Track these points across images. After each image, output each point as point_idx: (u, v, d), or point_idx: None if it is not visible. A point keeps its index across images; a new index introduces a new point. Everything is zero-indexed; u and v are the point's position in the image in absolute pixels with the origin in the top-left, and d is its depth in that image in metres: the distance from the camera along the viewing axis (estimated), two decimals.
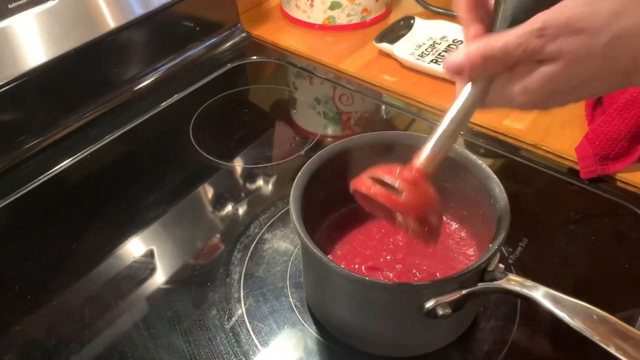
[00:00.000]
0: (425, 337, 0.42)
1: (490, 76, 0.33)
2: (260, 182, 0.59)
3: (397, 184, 0.34)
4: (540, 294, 0.34)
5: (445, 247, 0.46)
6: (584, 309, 0.33)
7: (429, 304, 0.37)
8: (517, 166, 0.59)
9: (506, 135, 0.62)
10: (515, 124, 0.62)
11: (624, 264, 0.49)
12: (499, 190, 0.41)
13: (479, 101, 0.34)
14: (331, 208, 0.48)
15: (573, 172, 0.57)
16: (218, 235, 0.54)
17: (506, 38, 0.31)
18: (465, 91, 0.34)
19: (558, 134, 0.61)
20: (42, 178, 0.59)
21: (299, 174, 0.43)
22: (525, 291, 0.35)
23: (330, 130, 0.66)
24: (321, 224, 0.48)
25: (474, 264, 0.37)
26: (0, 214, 0.56)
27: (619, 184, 0.57)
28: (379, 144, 0.44)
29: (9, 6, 0.50)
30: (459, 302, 0.38)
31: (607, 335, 0.31)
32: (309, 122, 0.68)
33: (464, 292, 0.37)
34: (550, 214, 0.55)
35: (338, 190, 0.46)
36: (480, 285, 0.37)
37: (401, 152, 0.41)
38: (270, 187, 0.59)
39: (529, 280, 0.36)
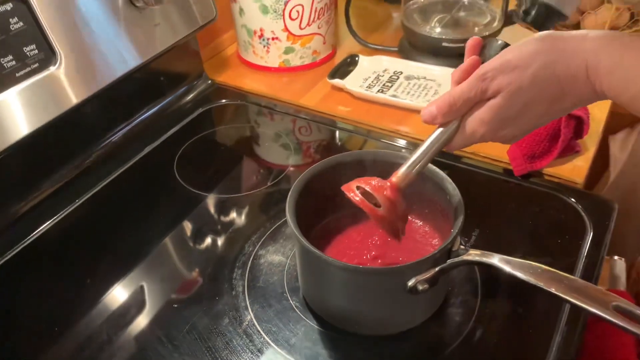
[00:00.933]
0: (408, 313, 0.51)
1: (457, 117, 0.45)
2: (245, 209, 0.67)
3: (378, 198, 0.45)
4: (496, 259, 0.44)
5: (414, 241, 0.56)
6: (530, 266, 0.43)
7: (411, 282, 0.46)
8: (462, 172, 0.70)
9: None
10: None
11: (557, 239, 0.61)
12: (452, 188, 0.51)
13: (448, 136, 0.46)
14: (316, 219, 0.57)
15: (508, 172, 0.69)
16: (218, 257, 0.61)
17: (461, 87, 0.44)
18: (438, 129, 0.46)
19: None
20: (42, 229, 0.65)
21: (290, 190, 0.51)
22: (485, 259, 0.44)
23: (292, 161, 0.74)
24: (309, 233, 0.56)
25: (442, 245, 0.46)
26: (16, 258, 0.61)
27: (545, 177, 0.69)
28: (356, 161, 0.54)
29: (16, 75, 0.57)
30: (434, 278, 0.47)
31: (549, 282, 0.41)
32: (273, 155, 0.77)
33: (437, 269, 0.46)
34: (494, 207, 0.66)
35: (322, 202, 0.55)
36: (449, 261, 0.46)
37: (376, 167, 0.52)
38: (253, 212, 0.67)
39: (486, 252, 0.46)
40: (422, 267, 0.46)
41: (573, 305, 0.40)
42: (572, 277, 0.42)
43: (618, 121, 0.89)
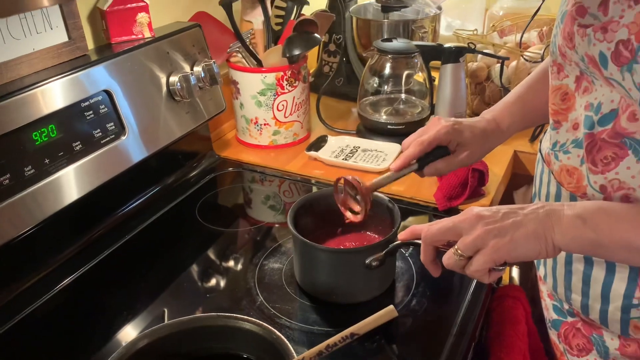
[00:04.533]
0: (368, 286, 0.77)
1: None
2: (256, 237, 0.94)
3: (358, 187, 0.73)
4: (418, 240, 0.72)
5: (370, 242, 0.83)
6: None
7: (367, 261, 0.73)
8: (405, 207, 0.98)
9: (394, 195, 1.02)
10: (399, 187, 1.03)
11: None
12: (394, 208, 0.80)
13: (403, 174, 0.76)
14: (306, 232, 0.84)
15: (434, 208, 0.98)
16: (235, 267, 0.87)
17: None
18: (405, 170, 0.76)
19: (423, 189, 1.03)
20: (91, 264, 0.89)
21: (290, 209, 0.79)
22: (414, 241, 0.72)
23: (275, 219, 1.01)
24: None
25: (387, 236, 0.74)
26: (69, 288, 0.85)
27: (460, 210, 0.98)
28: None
29: (101, 142, 0.85)
30: (383, 258, 0.74)
31: None
32: (260, 213, 1.04)
33: (384, 251, 0.74)
34: None
35: (308, 223, 0.82)
36: (391, 245, 0.74)
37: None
38: (260, 239, 0.94)
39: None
40: (374, 250, 0.74)
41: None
42: None
43: (519, 179, 1.21)
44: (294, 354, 0.57)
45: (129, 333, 0.75)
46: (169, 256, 0.90)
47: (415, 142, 0.77)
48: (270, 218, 1.00)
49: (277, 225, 0.97)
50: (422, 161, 0.78)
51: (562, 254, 0.72)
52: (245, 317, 0.62)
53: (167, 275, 0.85)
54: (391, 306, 0.61)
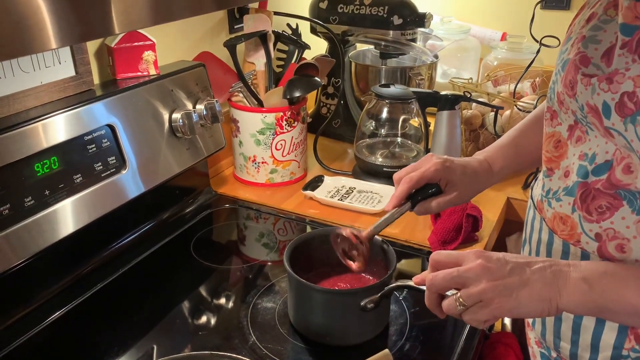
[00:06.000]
0: (362, 328, 0.77)
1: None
2: (249, 275, 0.94)
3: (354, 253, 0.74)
4: (409, 282, 0.72)
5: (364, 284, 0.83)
6: None
7: (362, 302, 0.73)
8: (400, 251, 0.99)
9: (389, 237, 1.03)
10: (394, 230, 1.04)
11: None
12: (389, 250, 0.81)
13: (399, 214, 0.77)
14: (302, 272, 0.84)
15: (428, 252, 0.99)
16: (228, 305, 0.86)
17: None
18: (400, 211, 0.76)
19: (417, 232, 1.04)
20: (88, 294, 0.88)
21: (286, 249, 0.80)
22: (404, 283, 0.72)
23: (269, 257, 1.02)
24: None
25: (382, 279, 0.74)
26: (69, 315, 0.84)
27: None
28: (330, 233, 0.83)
29: (102, 175, 0.86)
30: (378, 300, 0.74)
31: None
32: (254, 251, 1.05)
33: (380, 293, 0.74)
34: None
35: (304, 262, 0.83)
36: (386, 288, 0.74)
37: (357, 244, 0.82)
38: (253, 277, 0.94)
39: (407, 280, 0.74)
40: (369, 292, 0.74)
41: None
42: None
43: (511, 226, 1.23)
44: None
45: None
46: (162, 291, 0.90)
47: (405, 178, 0.78)
48: (264, 256, 1.00)
49: (270, 264, 0.97)
50: (413, 199, 0.78)
51: None
52: (239, 356, 0.62)
53: (159, 310, 0.85)
54: (386, 350, 0.61)
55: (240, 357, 0.60)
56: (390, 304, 0.83)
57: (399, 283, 0.74)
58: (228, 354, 0.61)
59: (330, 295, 0.75)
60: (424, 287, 0.69)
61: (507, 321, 0.95)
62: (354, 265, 0.79)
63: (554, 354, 0.77)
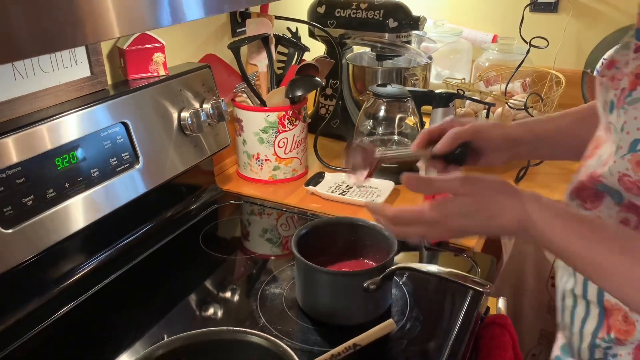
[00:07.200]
0: (365, 308, 0.82)
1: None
2: (258, 264, 0.99)
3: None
4: (413, 265, 0.77)
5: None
6: (434, 267, 0.76)
7: (365, 284, 0.78)
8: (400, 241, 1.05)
9: None
10: None
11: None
12: (390, 235, 0.86)
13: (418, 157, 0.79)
14: (309, 257, 0.89)
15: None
16: (239, 292, 0.91)
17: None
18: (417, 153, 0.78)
19: None
20: (104, 283, 0.93)
21: (293, 237, 0.84)
22: (407, 264, 0.77)
23: (275, 249, 1.06)
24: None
25: (384, 261, 0.79)
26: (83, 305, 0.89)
27: (450, 244, 1.04)
28: (339, 222, 0.88)
29: (116, 170, 0.90)
30: (380, 282, 0.79)
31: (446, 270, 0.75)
32: (259, 244, 1.10)
33: (381, 275, 0.79)
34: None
35: (309, 249, 0.87)
36: (387, 270, 0.79)
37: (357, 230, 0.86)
38: (264, 264, 0.98)
39: (408, 262, 0.79)
40: (372, 273, 0.79)
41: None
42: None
43: None
44: None
45: (130, 356, 0.78)
46: (175, 280, 0.94)
47: (449, 134, 0.74)
48: (270, 247, 1.05)
49: (273, 258, 1.02)
50: (449, 157, 0.76)
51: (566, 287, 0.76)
52: (253, 331, 0.66)
53: (173, 297, 0.90)
54: (390, 319, 0.66)
55: (258, 332, 0.65)
56: (392, 288, 0.88)
57: (399, 265, 0.79)
58: (247, 329, 0.65)
59: (336, 276, 0.80)
60: (423, 268, 0.74)
61: (502, 304, 1.00)
62: (355, 176, 0.78)
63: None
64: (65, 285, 0.89)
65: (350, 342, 0.63)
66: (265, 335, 0.66)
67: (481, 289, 0.71)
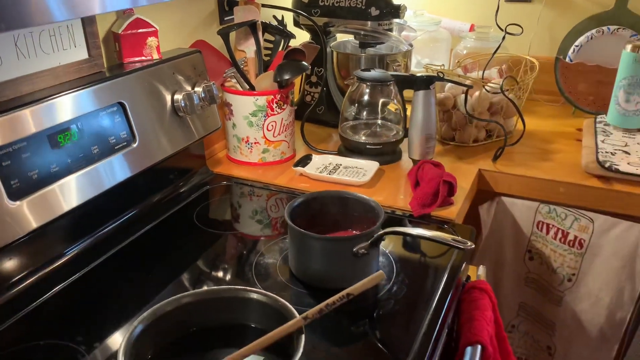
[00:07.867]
0: (355, 273, 0.87)
1: None
2: (251, 238, 1.03)
3: None
4: (399, 229, 0.83)
5: None
6: (419, 229, 0.82)
7: (355, 248, 0.84)
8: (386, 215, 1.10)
9: None
10: (378, 198, 1.14)
11: (439, 245, 1.00)
12: (378, 206, 0.91)
13: None
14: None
15: (410, 215, 1.10)
16: (235, 263, 0.96)
17: None
18: None
19: (399, 200, 1.15)
20: (101, 259, 0.97)
21: (287, 207, 0.89)
22: (393, 229, 0.83)
23: (264, 232, 1.11)
24: None
25: (372, 228, 0.85)
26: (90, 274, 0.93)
27: (432, 217, 1.10)
28: (331, 196, 0.93)
29: (115, 147, 0.94)
30: (368, 247, 0.84)
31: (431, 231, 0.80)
32: (252, 223, 1.15)
33: (369, 240, 0.84)
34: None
35: (302, 221, 0.92)
36: (375, 235, 0.85)
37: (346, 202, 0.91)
38: (257, 238, 1.03)
39: (393, 227, 0.85)
40: (361, 239, 0.84)
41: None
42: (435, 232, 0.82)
43: (484, 195, 1.34)
44: (297, 315, 0.66)
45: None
46: (174, 252, 0.99)
47: None
48: (261, 225, 1.10)
49: (268, 230, 1.07)
50: None
51: None
52: (254, 288, 0.71)
53: (174, 268, 0.94)
54: (381, 271, 0.71)
55: (264, 291, 0.70)
56: (379, 255, 0.94)
57: (386, 230, 0.85)
58: (248, 287, 0.71)
59: (327, 242, 0.85)
60: (409, 231, 0.80)
61: (482, 272, 1.06)
62: None
63: None
64: (58, 263, 0.92)
65: (344, 292, 0.68)
66: (265, 292, 0.71)
67: (462, 247, 0.76)
